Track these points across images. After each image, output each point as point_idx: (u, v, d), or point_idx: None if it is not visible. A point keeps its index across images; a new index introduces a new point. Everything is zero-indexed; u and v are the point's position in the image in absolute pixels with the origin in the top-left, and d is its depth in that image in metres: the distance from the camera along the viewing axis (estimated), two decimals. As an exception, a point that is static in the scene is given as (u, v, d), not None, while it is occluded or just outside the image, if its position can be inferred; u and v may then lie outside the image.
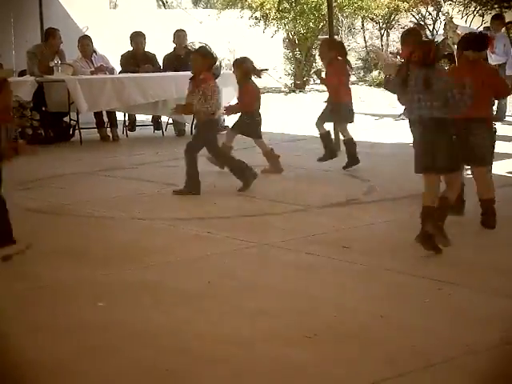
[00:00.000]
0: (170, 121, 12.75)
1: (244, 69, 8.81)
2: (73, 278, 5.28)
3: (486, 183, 6.43)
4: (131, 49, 12.65)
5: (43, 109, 11.45)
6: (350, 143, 9.15)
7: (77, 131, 11.76)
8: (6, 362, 3.97)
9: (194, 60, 8.10)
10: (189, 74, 11.13)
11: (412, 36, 7.79)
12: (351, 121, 9.29)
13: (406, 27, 22.17)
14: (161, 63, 12.68)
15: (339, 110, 9.13)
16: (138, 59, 12.49)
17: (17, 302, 4.85)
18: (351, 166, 9.06)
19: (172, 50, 12.72)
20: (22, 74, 12.56)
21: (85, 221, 6.99)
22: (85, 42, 12.34)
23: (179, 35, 12.70)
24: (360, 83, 20.06)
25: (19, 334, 4.30)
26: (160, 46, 12.81)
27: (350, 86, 9.43)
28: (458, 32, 13.39)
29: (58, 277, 5.32)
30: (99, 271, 5.40)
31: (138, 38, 12.58)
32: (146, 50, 12.69)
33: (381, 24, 22.16)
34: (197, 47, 8.34)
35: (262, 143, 9.02)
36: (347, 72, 9.36)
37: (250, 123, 8.83)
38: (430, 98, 5.66)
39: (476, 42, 6.45)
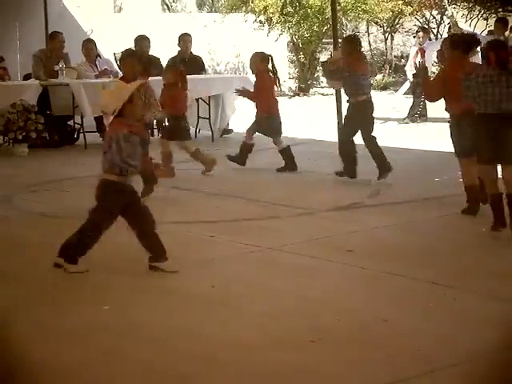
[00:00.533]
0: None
1: (182, 73, 8.85)
2: (75, 283, 5.30)
3: None
4: (135, 52, 12.66)
5: (48, 112, 11.45)
6: (287, 150, 9.27)
7: (81, 135, 11.77)
8: (17, 365, 3.97)
9: (128, 64, 8.26)
10: (193, 77, 11.13)
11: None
12: (280, 133, 9.43)
13: (411, 31, 22.26)
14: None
15: (269, 123, 9.27)
16: (142, 63, 12.48)
17: (24, 303, 4.87)
18: (290, 170, 9.16)
19: (176, 53, 12.73)
20: (27, 77, 12.58)
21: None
22: (89, 46, 12.35)
23: (185, 39, 12.70)
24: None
25: (29, 337, 4.31)
26: (164, 50, 12.81)
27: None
28: (463, 36, 13.39)
29: (60, 281, 5.34)
30: (102, 275, 5.40)
31: (142, 41, 12.57)
32: (150, 53, 12.69)
33: (385, 28, 22.16)
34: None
35: (186, 146, 8.93)
36: (273, 85, 9.46)
37: (177, 125, 8.83)
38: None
39: (473, 43, 6.72)
